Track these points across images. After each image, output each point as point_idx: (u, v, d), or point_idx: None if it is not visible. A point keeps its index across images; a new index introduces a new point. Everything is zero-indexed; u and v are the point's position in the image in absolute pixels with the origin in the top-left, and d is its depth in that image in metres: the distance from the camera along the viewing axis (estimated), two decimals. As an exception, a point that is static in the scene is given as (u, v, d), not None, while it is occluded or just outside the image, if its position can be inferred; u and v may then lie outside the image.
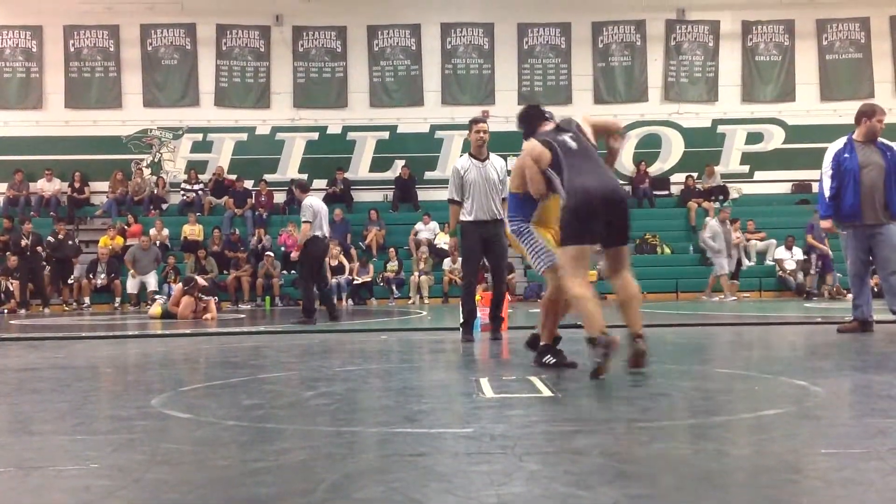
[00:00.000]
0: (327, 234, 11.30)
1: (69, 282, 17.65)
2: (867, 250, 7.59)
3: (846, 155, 7.58)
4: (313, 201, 11.18)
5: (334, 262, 18.14)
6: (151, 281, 17.41)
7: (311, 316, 10.65)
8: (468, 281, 7.72)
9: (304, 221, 10.90)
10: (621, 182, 22.92)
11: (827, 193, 7.66)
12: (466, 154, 7.63)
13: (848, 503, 2.27)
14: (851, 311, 7.73)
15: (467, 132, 7.73)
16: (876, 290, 8.69)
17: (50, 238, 17.48)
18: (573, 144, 5.03)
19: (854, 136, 7.66)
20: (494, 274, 7.66)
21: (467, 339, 7.40)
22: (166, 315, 12.57)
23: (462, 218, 7.49)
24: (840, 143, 7.74)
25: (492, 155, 7.61)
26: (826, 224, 7.84)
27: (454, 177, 7.51)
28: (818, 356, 6.20)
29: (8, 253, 17.68)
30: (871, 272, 7.88)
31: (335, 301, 12.78)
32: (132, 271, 17.38)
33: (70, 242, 17.95)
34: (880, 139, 7.64)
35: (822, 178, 7.79)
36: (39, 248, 17.15)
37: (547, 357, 5.27)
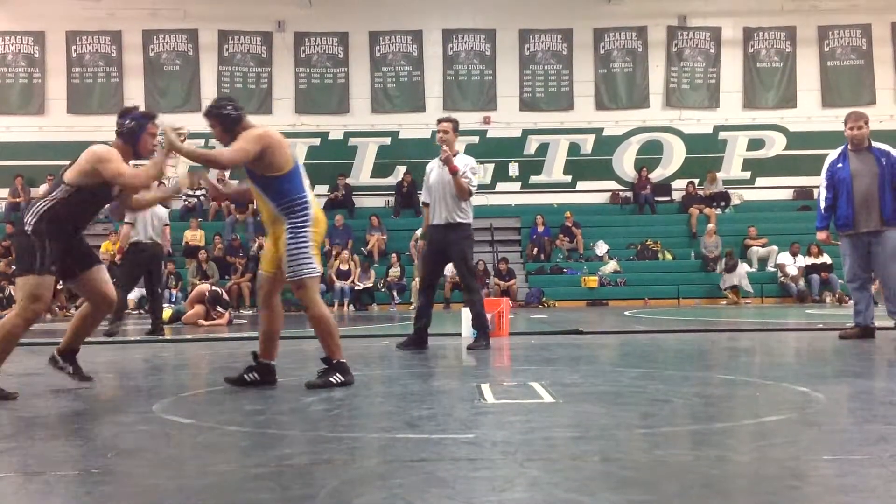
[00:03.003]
0: (155, 239, 9.94)
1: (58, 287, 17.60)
2: (866, 257, 7.55)
3: (839, 164, 7.59)
4: None
5: (345, 267, 18.10)
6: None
7: (119, 320, 9.56)
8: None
9: (125, 223, 9.93)
10: (622, 189, 22.60)
11: (822, 204, 7.71)
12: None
13: (850, 510, 2.27)
14: (853, 318, 7.72)
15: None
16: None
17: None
18: None
19: (849, 145, 7.66)
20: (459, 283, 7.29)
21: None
22: (175, 319, 12.58)
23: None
24: (836, 152, 7.74)
25: (460, 154, 7.53)
26: (821, 236, 7.87)
27: (425, 179, 7.60)
28: (819, 362, 6.19)
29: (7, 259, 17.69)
30: (870, 278, 7.85)
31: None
32: None
33: None
34: (876, 144, 7.57)
35: (819, 190, 7.84)
36: None
37: (335, 376, 4.68)
